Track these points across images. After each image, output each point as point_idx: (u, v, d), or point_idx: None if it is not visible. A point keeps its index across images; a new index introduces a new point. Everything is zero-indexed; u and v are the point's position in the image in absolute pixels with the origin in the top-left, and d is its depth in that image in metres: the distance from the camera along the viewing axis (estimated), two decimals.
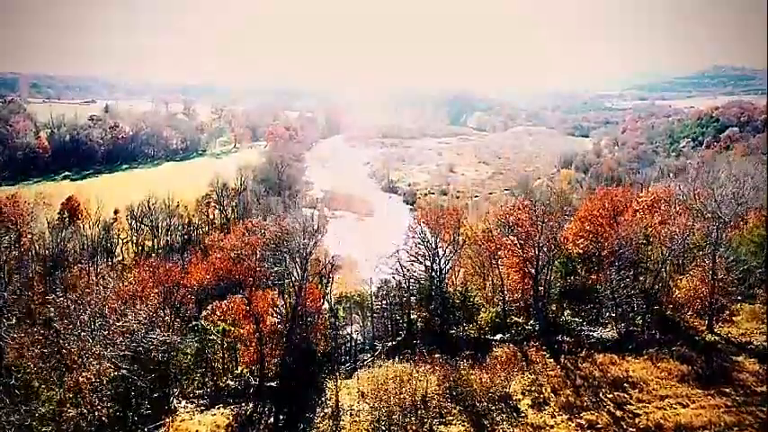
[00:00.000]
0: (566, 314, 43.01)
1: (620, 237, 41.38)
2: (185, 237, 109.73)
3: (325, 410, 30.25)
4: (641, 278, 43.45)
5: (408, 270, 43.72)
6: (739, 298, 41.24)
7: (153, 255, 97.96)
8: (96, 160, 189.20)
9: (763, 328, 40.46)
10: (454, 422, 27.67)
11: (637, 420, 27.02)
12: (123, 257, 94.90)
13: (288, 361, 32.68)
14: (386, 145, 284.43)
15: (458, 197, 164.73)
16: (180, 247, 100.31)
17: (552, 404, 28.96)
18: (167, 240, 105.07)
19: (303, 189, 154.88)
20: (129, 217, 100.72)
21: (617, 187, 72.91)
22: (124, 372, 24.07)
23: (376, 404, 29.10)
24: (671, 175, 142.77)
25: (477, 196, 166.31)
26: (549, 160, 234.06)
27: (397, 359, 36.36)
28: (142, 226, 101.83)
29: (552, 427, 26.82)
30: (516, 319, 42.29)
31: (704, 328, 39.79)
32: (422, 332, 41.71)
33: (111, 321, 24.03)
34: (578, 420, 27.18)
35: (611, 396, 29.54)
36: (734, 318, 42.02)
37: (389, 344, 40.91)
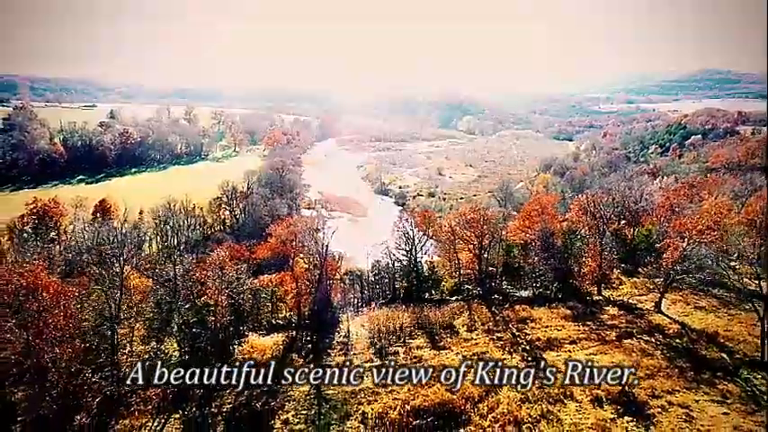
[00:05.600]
0: (503, 284, 61.45)
1: (540, 230, 59.79)
2: (202, 234, 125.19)
3: (341, 333, 48.34)
4: (555, 258, 61.87)
5: (394, 254, 61.69)
6: (617, 272, 59.47)
7: (176, 250, 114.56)
8: (107, 164, 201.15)
9: (635, 292, 59.27)
10: (417, 338, 45.84)
11: (526, 337, 45.27)
12: (149, 252, 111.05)
13: (316, 308, 50.60)
14: (378, 149, 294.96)
15: (444, 199, 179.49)
16: (200, 243, 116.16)
17: (479, 329, 47.23)
18: (187, 237, 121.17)
19: (302, 192, 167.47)
20: (153, 217, 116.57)
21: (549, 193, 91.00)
22: (233, 300, 41.80)
23: (371, 328, 47.28)
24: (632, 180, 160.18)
25: (462, 198, 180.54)
26: (532, 164, 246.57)
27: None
28: (165, 225, 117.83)
29: (476, 339, 45.04)
30: (468, 286, 60.54)
31: (595, 291, 58.40)
32: (402, 296, 59.86)
33: (222, 274, 41.88)
34: (491, 337, 45.43)
35: (516, 326, 47.85)
36: (621, 287, 60.81)
37: (380, 302, 58.99)
